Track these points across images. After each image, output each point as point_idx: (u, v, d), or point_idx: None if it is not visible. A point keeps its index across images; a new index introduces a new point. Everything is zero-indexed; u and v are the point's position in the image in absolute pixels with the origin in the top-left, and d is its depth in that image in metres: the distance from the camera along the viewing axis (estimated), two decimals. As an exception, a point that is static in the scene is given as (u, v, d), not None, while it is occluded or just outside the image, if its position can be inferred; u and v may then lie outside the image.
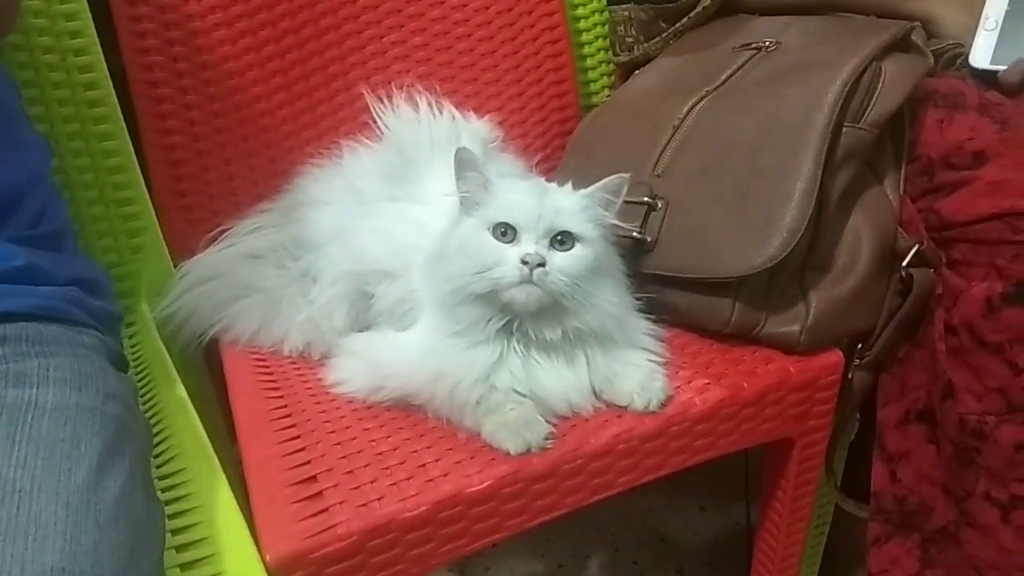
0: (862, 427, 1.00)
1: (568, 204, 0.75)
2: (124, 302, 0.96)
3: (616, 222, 0.77)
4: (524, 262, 0.70)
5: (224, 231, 1.00)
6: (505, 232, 0.72)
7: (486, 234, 0.73)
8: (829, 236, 0.82)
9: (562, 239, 0.73)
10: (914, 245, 0.83)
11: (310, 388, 0.82)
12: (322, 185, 0.99)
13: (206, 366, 0.96)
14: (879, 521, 0.93)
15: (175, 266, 0.98)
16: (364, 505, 0.66)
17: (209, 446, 0.72)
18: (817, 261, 0.82)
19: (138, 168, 0.96)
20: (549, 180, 0.84)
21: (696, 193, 0.84)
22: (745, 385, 0.79)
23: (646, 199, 0.85)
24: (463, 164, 0.76)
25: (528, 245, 0.71)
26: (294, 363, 0.88)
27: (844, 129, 0.80)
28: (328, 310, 0.90)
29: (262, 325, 0.90)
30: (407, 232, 0.87)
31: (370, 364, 0.79)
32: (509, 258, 0.71)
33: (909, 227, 0.85)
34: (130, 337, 0.94)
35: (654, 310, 0.82)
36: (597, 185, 0.76)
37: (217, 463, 0.70)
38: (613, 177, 0.75)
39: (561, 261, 0.72)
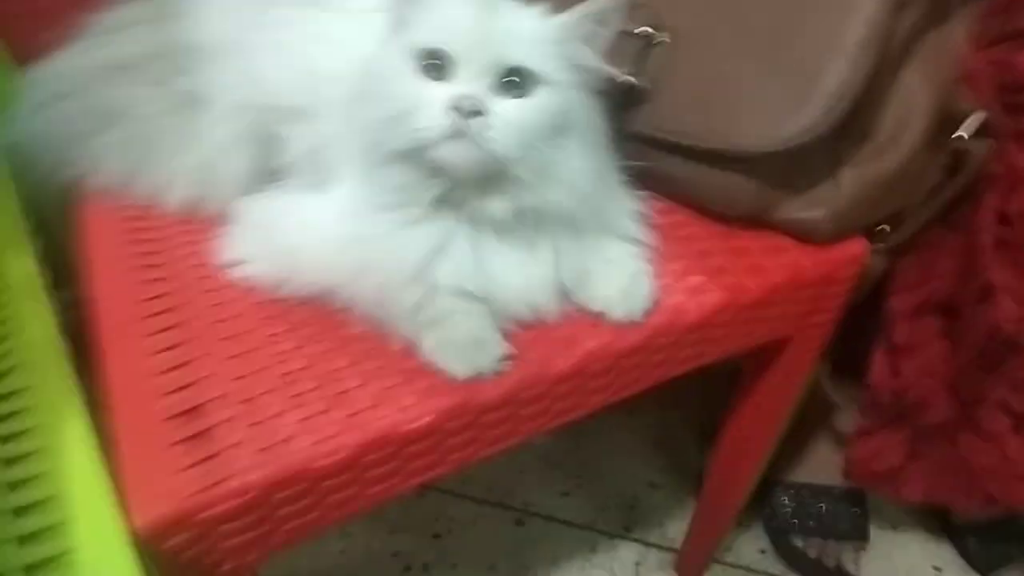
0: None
1: (529, 30, 0.54)
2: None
3: (602, 65, 0.57)
4: (455, 108, 0.50)
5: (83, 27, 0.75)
6: (435, 65, 0.52)
7: (408, 66, 0.53)
8: (875, 95, 0.63)
9: (514, 79, 0.52)
10: (977, 111, 0.65)
11: (200, 265, 0.63)
12: (215, -35, 0.74)
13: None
14: (871, 416, 0.83)
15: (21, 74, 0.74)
16: (267, 449, 0.50)
17: (61, 354, 0.55)
18: (856, 129, 0.63)
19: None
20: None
21: (712, 26, 0.63)
22: (749, 285, 0.64)
23: (647, 28, 0.64)
24: None
25: (463, 83, 0.51)
26: (182, 223, 0.68)
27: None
28: (223, 152, 0.68)
29: (136, 168, 0.69)
30: (321, 54, 0.65)
31: (274, 244, 0.61)
32: (434, 100, 0.51)
33: (971, 84, 0.67)
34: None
35: (641, 177, 0.64)
36: (579, 9, 0.54)
37: (71, 382, 0.53)
38: None
39: (510, 111, 0.52)
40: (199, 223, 0.67)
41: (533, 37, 0.53)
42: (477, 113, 0.50)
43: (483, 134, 0.50)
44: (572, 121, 0.55)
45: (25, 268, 0.60)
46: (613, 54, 0.58)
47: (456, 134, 0.50)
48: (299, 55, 0.65)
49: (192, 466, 0.49)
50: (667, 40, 0.64)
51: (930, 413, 0.80)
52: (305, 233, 0.60)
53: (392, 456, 0.54)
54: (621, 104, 0.64)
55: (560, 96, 0.54)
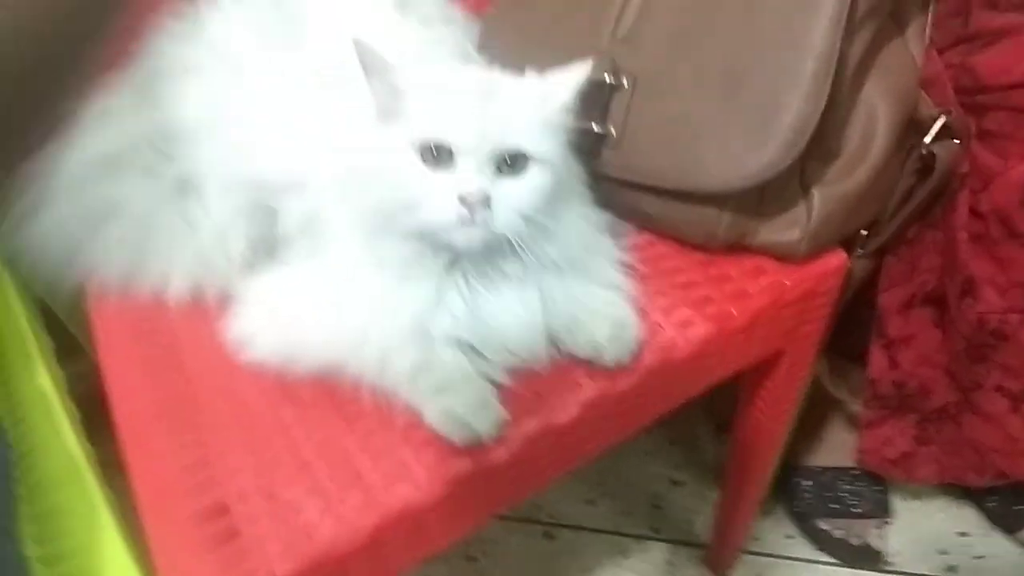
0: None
1: (525, 112, 0.56)
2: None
3: (581, 122, 0.59)
4: (463, 201, 0.53)
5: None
6: (437, 154, 0.54)
7: (412, 156, 0.55)
8: (838, 115, 0.64)
9: (512, 161, 0.55)
10: (940, 115, 0.67)
11: (209, 356, 0.65)
12: (185, 46, 0.76)
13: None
14: (875, 407, 0.85)
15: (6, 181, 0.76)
16: (291, 541, 0.53)
17: (84, 466, 0.58)
18: (822, 148, 0.65)
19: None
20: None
21: (672, 68, 0.64)
22: (734, 312, 0.66)
23: (607, 78, 0.66)
24: (367, 66, 0.56)
25: (468, 175, 0.53)
26: (187, 314, 0.70)
27: (868, -26, 0.60)
28: (218, 236, 0.70)
29: (134, 264, 0.71)
30: (307, 126, 0.66)
31: (278, 322, 0.63)
32: (441, 192, 0.53)
33: (933, 89, 0.68)
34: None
35: (620, 215, 0.66)
36: (569, 82, 0.57)
37: (98, 497, 0.57)
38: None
39: (511, 194, 0.54)
40: (201, 308, 0.70)
41: (529, 119, 0.55)
42: (484, 203, 0.53)
43: (491, 221, 0.53)
44: (563, 185, 0.58)
45: (35, 384, 0.63)
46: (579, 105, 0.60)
47: (465, 223, 0.53)
48: (285, 128, 0.67)
49: (222, 566, 0.52)
50: (628, 85, 0.65)
51: (932, 399, 0.82)
52: (305, 306, 0.62)
53: (411, 530, 0.56)
54: (592, 151, 0.66)
55: (553, 168, 0.56)
